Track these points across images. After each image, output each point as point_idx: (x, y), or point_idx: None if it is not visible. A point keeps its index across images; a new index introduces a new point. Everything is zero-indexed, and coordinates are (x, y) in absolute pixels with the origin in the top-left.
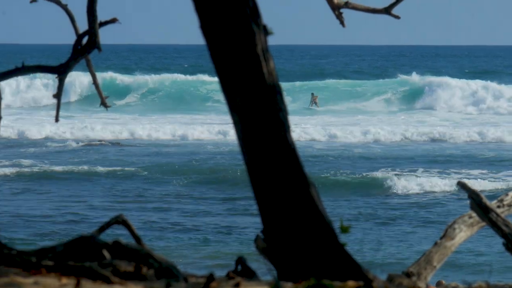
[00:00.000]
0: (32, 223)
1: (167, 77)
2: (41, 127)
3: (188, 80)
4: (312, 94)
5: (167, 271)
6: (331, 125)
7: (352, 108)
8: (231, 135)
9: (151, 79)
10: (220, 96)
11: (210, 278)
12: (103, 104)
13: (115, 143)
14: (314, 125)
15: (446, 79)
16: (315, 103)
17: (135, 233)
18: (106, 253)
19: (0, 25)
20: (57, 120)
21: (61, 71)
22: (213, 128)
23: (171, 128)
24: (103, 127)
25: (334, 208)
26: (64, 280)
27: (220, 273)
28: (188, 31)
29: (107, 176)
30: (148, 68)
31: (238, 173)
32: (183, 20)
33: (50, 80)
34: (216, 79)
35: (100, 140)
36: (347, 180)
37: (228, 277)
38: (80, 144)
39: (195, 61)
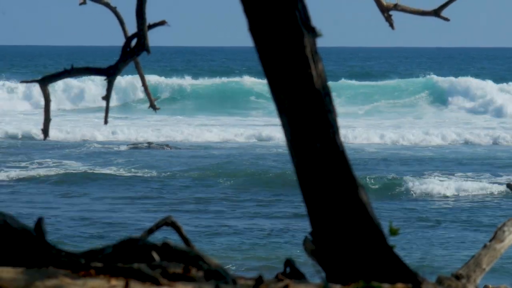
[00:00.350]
0: (79, 225)
1: (214, 80)
2: (89, 129)
3: (234, 82)
4: None
5: (216, 273)
6: (377, 127)
7: (399, 109)
8: (279, 137)
9: (197, 82)
10: (266, 98)
11: (259, 280)
12: (152, 106)
13: (163, 145)
14: (363, 127)
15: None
16: None
17: (184, 235)
18: (155, 255)
19: (50, 27)
20: (106, 122)
21: (110, 73)
22: (260, 130)
23: (218, 130)
24: (150, 129)
25: (381, 211)
26: (113, 282)
27: (269, 276)
28: (235, 33)
29: (155, 178)
30: (194, 70)
31: (286, 175)
32: (230, 22)
33: (99, 81)
34: (262, 81)
35: (148, 142)
36: (394, 182)
37: (277, 279)
38: (128, 146)
39: (242, 63)
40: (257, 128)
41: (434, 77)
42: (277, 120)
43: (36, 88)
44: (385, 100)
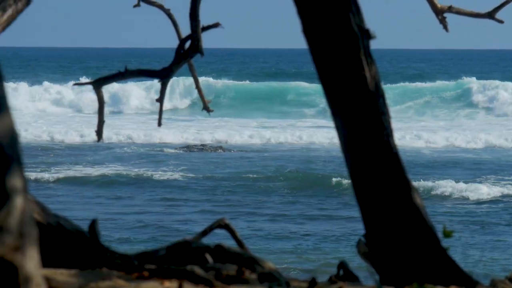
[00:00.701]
0: (132, 227)
1: (268, 82)
2: (142, 131)
3: (286, 84)
4: None
5: (270, 275)
6: (427, 129)
7: (447, 111)
8: (332, 140)
9: (251, 84)
10: (317, 101)
11: (313, 282)
12: (206, 108)
13: (217, 147)
14: (417, 130)
15: None
16: None
17: (238, 237)
18: (208, 257)
19: (104, 30)
20: (159, 124)
21: (164, 75)
22: (313, 132)
23: (271, 132)
24: (204, 131)
25: (434, 214)
26: (166, 284)
27: (322, 278)
28: (287, 35)
29: (208, 180)
30: (248, 72)
31: (340, 178)
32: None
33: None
34: (314, 84)
35: (202, 144)
36: (443, 184)
37: (331, 281)
38: (181, 148)
39: (294, 65)
40: (310, 130)
41: (485, 80)
42: (330, 123)
43: (82, 91)
44: (434, 101)
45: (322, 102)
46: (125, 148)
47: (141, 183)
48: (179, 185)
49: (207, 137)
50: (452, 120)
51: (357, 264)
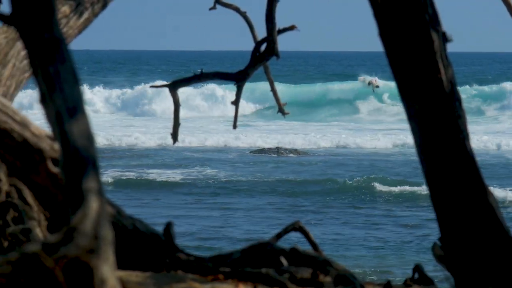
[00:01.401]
0: (205, 228)
1: (344, 84)
2: (213, 135)
3: (356, 87)
4: (369, 82)
5: (344, 278)
6: (490, 132)
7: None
8: (409, 142)
9: (326, 86)
10: (396, 103)
11: (387, 285)
12: (281, 111)
13: (291, 150)
14: (483, 133)
15: None
16: (376, 86)
17: (312, 240)
18: (283, 260)
19: (178, 32)
20: (235, 126)
21: (239, 78)
22: (396, 135)
23: (347, 135)
24: (279, 134)
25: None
26: (241, 286)
27: (397, 281)
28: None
29: (283, 184)
30: (322, 74)
31: (414, 181)
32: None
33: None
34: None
35: (277, 147)
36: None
37: (406, 284)
38: (254, 151)
39: (372, 67)
40: (392, 133)
41: None
42: (407, 126)
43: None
44: (492, 105)
45: (400, 105)
46: (197, 152)
47: (212, 186)
48: (252, 188)
49: (282, 140)
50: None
51: (433, 267)
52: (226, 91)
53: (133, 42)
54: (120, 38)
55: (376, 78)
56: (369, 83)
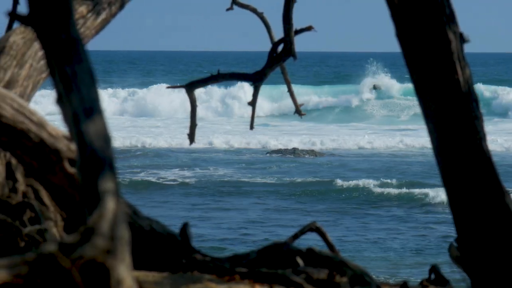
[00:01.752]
0: (221, 228)
1: (351, 86)
2: (229, 135)
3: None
4: (374, 86)
5: (361, 279)
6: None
7: None
8: (423, 144)
9: (342, 87)
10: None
11: (404, 286)
12: (298, 112)
13: (308, 151)
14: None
15: None
16: (378, 88)
17: (329, 241)
18: (299, 260)
19: (195, 33)
20: (251, 127)
21: (256, 78)
22: (408, 135)
23: (362, 137)
24: (295, 135)
25: None
26: (257, 287)
27: (413, 282)
28: (381, 38)
29: (299, 185)
30: (338, 75)
31: (432, 183)
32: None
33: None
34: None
35: (294, 148)
36: None
37: (422, 285)
38: (269, 152)
39: (388, 68)
40: (409, 134)
41: None
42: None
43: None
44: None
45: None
46: (211, 152)
47: (228, 186)
48: (269, 189)
49: (300, 142)
50: None
51: (449, 268)
52: (241, 91)
53: (142, 42)
54: (133, 39)
55: (376, 81)
56: (374, 87)
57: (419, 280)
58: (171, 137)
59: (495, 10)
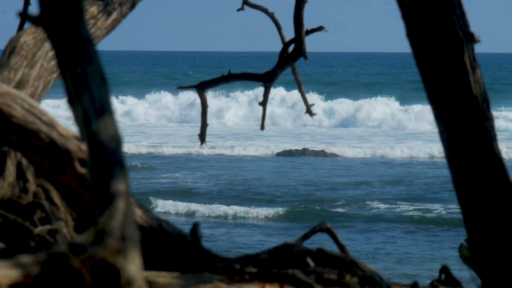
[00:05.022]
0: (230, 229)
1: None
2: (240, 136)
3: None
4: None
5: (371, 279)
6: None
7: None
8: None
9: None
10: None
11: (414, 286)
12: (309, 112)
13: (318, 151)
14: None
15: None
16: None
17: (339, 241)
18: (310, 261)
19: (206, 33)
20: (262, 127)
21: (267, 78)
22: (419, 144)
23: (377, 144)
24: (305, 136)
25: None
26: (268, 287)
27: (424, 282)
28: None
29: (308, 186)
30: (348, 76)
31: (439, 184)
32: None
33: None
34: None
35: (304, 149)
36: None
37: (432, 285)
38: (279, 153)
39: (400, 69)
40: (427, 141)
41: None
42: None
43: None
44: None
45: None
46: (224, 153)
47: (236, 186)
48: (274, 190)
49: (307, 141)
50: None
51: (460, 268)
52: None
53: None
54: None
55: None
56: None
57: (429, 281)
58: (183, 140)
59: (495, 10)
